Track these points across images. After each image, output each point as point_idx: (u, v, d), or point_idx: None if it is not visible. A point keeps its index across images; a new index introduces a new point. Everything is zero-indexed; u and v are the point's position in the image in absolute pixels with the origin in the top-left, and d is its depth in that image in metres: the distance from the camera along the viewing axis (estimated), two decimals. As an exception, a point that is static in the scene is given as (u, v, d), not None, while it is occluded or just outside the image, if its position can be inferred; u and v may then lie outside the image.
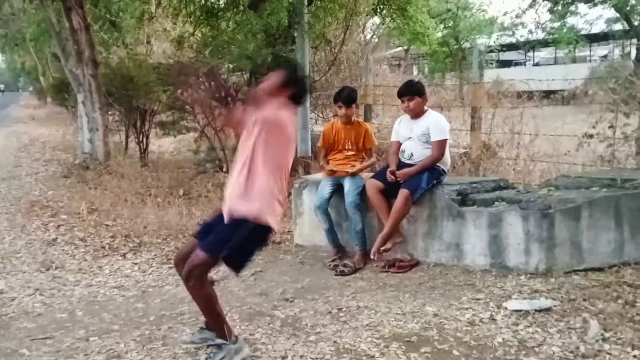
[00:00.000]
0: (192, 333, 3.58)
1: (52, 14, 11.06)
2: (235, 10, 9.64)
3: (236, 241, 3.12)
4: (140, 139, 10.89)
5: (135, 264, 5.55)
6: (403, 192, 4.87)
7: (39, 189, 8.97)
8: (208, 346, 3.38)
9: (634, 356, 3.18)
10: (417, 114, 5.11)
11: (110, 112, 11.37)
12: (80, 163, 10.39)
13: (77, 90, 10.63)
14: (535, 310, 3.78)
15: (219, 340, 3.27)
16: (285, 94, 3.33)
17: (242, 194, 3.16)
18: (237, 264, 3.24)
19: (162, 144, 12.77)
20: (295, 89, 3.37)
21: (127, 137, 11.60)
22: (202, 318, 3.51)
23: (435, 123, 5.05)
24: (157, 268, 5.42)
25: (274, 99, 3.28)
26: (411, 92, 5.09)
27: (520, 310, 3.80)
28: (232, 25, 9.92)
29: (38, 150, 13.80)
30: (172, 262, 4.16)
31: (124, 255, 5.81)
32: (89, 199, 7.85)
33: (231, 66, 5.90)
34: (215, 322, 3.30)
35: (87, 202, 7.62)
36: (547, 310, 3.79)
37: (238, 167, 3.22)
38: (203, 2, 9.88)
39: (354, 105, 5.41)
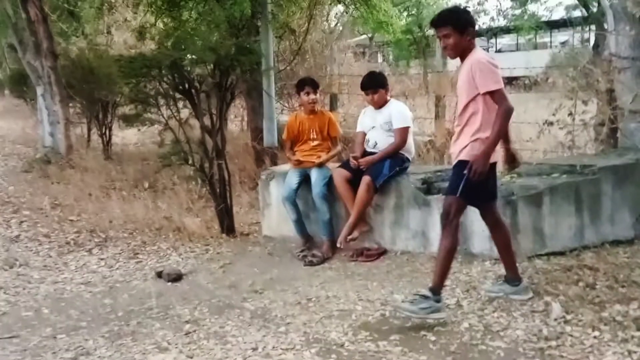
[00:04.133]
0: (492, 283, 3.96)
1: (8, 4, 10.79)
2: (197, 0, 9.52)
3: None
4: (103, 132, 10.73)
5: (102, 259, 5.49)
6: (365, 179, 4.91)
7: (-1, 185, 8.78)
8: (415, 295, 3.63)
9: (594, 337, 3.27)
10: (380, 104, 5.16)
11: (71, 105, 11.16)
12: (42, 157, 10.19)
13: (36, 82, 10.43)
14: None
15: (425, 292, 3.54)
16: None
17: None
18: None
19: (125, 136, 12.58)
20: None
21: (89, 129, 11.41)
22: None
23: (397, 111, 5.12)
24: (124, 263, 5.36)
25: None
26: (374, 84, 5.16)
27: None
28: (195, 15, 9.80)
29: (-3, 145, 13.48)
30: None
31: (89, 250, 5.74)
32: (52, 193, 7.72)
33: (194, 58, 5.82)
34: (441, 274, 3.55)
35: (50, 197, 7.50)
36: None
37: None
38: (164, -9, 9.71)
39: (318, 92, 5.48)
